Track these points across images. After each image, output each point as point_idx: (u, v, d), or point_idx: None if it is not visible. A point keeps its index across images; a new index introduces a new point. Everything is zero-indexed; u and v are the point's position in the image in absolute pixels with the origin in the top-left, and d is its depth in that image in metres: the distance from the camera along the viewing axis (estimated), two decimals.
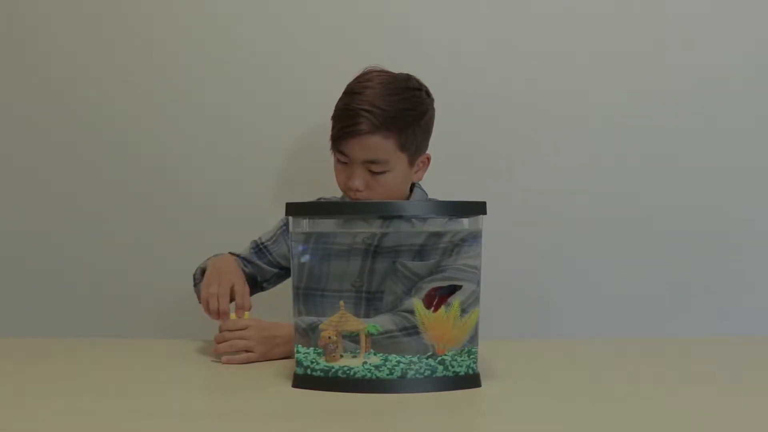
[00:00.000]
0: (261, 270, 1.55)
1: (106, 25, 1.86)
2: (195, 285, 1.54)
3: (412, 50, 1.80)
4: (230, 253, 1.58)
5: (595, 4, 1.81)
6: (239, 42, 1.84)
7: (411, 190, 1.52)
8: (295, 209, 1.10)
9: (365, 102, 1.38)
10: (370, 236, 1.38)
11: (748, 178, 1.82)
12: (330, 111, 1.46)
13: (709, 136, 1.82)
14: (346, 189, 1.44)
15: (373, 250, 1.38)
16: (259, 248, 1.56)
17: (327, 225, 1.24)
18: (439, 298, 1.07)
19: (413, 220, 1.28)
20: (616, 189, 1.82)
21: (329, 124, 1.45)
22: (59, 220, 1.89)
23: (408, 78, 1.45)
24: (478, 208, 1.09)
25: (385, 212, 1.16)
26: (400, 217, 1.18)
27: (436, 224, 1.35)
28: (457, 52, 1.81)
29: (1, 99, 1.89)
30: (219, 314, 1.32)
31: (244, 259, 1.56)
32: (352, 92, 1.41)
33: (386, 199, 1.43)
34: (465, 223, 1.18)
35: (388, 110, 1.38)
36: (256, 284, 1.55)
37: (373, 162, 1.40)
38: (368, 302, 1.35)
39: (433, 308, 1.07)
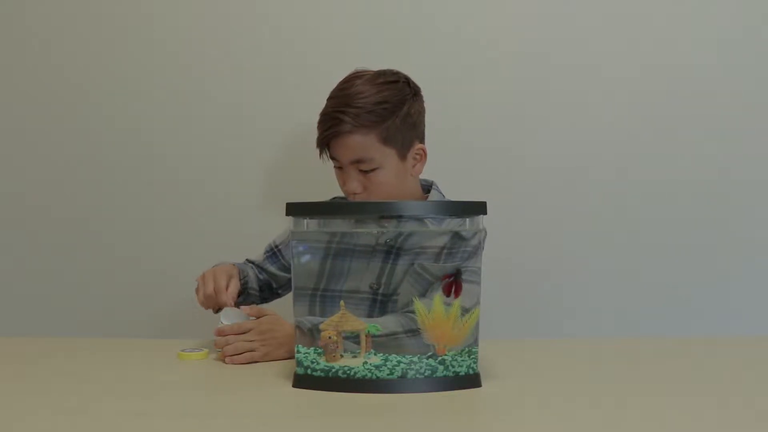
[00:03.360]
0: (275, 277, 1.57)
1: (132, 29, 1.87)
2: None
3: (413, 49, 1.80)
4: (247, 259, 1.60)
5: (598, 5, 1.81)
6: (245, 41, 1.84)
7: (428, 191, 1.52)
8: (295, 209, 1.09)
9: (340, 104, 1.40)
10: (392, 238, 1.37)
11: (749, 178, 1.82)
12: None
13: (709, 136, 1.82)
14: (346, 194, 1.46)
15: (395, 252, 1.37)
16: (272, 251, 1.58)
17: (331, 225, 1.24)
18: (456, 283, 1.08)
19: (427, 221, 1.28)
20: (617, 189, 1.82)
21: None
22: (59, 221, 1.89)
23: (383, 72, 1.45)
24: (478, 208, 1.09)
25: (384, 212, 1.15)
26: (400, 217, 1.18)
27: (451, 225, 1.33)
28: (458, 52, 1.81)
29: (2, 99, 1.90)
30: (215, 296, 1.36)
31: (258, 267, 1.57)
32: (330, 98, 1.44)
33: (386, 197, 1.43)
34: (466, 223, 1.17)
35: (363, 107, 1.39)
36: (272, 291, 1.58)
37: (359, 161, 1.41)
38: (383, 304, 1.34)
39: (453, 295, 1.07)
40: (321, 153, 1.45)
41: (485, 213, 1.09)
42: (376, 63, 1.48)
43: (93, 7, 1.86)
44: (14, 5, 1.88)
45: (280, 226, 1.65)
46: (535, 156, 1.82)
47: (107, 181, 1.88)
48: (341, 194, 1.62)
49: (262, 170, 1.85)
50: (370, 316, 1.34)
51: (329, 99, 1.44)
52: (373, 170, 1.41)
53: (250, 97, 1.84)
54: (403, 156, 1.44)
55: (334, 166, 1.46)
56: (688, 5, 1.81)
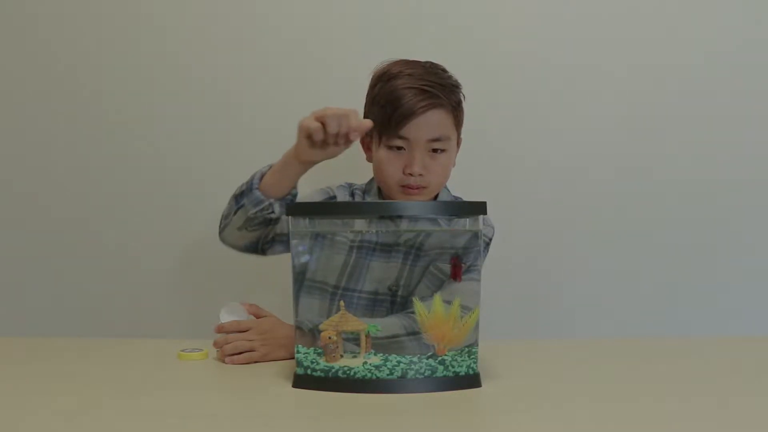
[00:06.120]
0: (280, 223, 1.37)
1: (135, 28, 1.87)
2: (243, 194, 1.34)
3: (413, 50, 1.80)
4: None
5: (598, 8, 1.81)
6: (245, 41, 1.84)
7: None
8: (295, 209, 1.09)
9: (420, 79, 1.36)
10: (412, 238, 1.35)
11: (748, 178, 1.82)
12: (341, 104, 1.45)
13: (710, 136, 1.82)
14: (401, 178, 1.40)
15: (414, 254, 1.35)
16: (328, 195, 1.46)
17: (332, 224, 1.23)
18: (457, 267, 1.08)
19: (441, 221, 1.27)
20: (616, 189, 1.82)
21: None
22: (59, 221, 1.89)
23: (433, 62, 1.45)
24: (478, 208, 1.09)
25: (384, 212, 1.15)
26: (400, 217, 1.18)
27: (468, 225, 1.32)
28: (458, 52, 1.81)
29: (2, 99, 1.90)
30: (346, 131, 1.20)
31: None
32: (396, 76, 1.38)
33: (441, 182, 1.42)
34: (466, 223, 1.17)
35: (445, 85, 1.38)
36: (256, 247, 1.42)
37: (437, 139, 1.37)
38: (402, 306, 1.33)
39: (458, 278, 1.08)
40: (389, 133, 1.37)
41: (485, 213, 1.09)
42: (376, 62, 1.48)
43: (93, 7, 1.86)
44: (14, 5, 1.88)
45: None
46: (535, 156, 1.82)
47: (107, 181, 1.88)
48: (329, 185, 1.59)
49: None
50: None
51: (393, 78, 1.38)
52: (443, 151, 1.39)
53: (250, 97, 1.84)
54: (458, 142, 1.46)
55: (393, 147, 1.39)
56: (689, 6, 1.81)
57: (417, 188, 1.40)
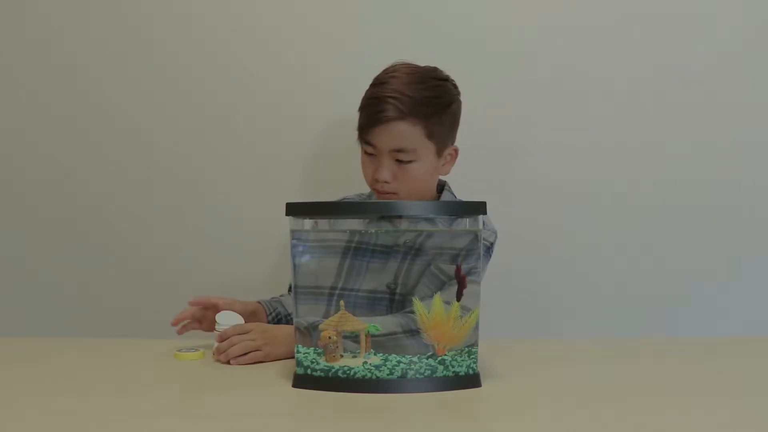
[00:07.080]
0: None
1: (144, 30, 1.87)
2: None
3: (412, 49, 1.80)
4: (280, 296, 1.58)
5: (600, 6, 1.81)
6: (245, 41, 1.84)
7: (441, 190, 1.52)
8: (295, 209, 1.09)
9: (391, 90, 1.39)
10: (412, 239, 1.36)
11: (749, 178, 1.82)
12: (348, 109, 1.45)
13: (709, 135, 1.81)
14: (372, 182, 1.44)
15: (413, 253, 1.36)
16: None
17: (339, 225, 1.24)
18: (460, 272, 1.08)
19: (439, 222, 1.27)
20: (617, 189, 1.82)
21: (345, 122, 1.44)
22: (59, 221, 1.89)
23: (434, 69, 1.46)
24: (478, 208, 1.09)
25: (384, 212, 1.15)
26: (400, 216, 1.18)
27: (467, 226, 1.32)
28: (458, 52, 1.81)
29: (1, 99, 1.89)
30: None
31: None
32: (378, 83, 1.43)
33: (413, 191, 1.43)
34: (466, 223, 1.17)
35: (414, 97, 1.39)
36: None
37: (400, 150, 1.40)
38: (400, 305, 1.33)
39: (464, 284, 1.08)
40: (360, 137, 1.44)
41: (485, 213, 1.09)
42: (375, 63, 1.48)
43: (93, 7, 1.86)
44: (14, 5, 1.87)
45: (280, 226, 1.64)
46: (535, 156, 1.82)
47: (106, 181, 1.87)
48: (345, 195, 1.62)
49: (262, 170, 1.85)
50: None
51: (375, 84, 1.43)
52: (410, 162, 1.41)
53: (250, 97, 1.84)
54: (439, 153, 1.45)
55: (366, 153, 1.44)
56: (688, 7, 1.80)
57: (386, 194, 1.43)
